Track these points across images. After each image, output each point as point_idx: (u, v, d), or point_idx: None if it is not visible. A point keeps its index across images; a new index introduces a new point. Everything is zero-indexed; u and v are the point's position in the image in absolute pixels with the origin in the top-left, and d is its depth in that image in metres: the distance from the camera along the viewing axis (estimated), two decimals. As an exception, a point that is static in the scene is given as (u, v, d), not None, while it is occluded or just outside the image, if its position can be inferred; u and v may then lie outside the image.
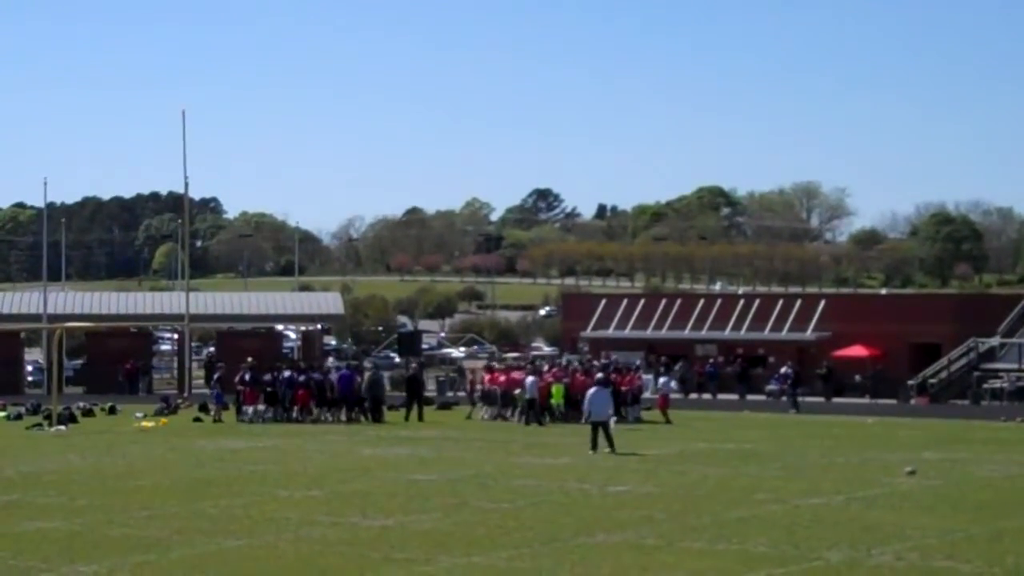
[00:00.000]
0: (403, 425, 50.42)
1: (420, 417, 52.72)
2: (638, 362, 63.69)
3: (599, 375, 44.18)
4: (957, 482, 32.41)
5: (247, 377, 52.76)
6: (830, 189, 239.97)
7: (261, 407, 52.25)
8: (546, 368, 56.17)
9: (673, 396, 68.13)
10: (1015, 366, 66.50)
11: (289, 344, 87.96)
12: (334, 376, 53.56)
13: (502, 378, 53.54)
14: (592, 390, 40.13)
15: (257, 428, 49.24)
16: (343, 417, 52.08)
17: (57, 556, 22.34)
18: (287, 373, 53.53)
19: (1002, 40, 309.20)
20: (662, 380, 54.95)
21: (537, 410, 50.14)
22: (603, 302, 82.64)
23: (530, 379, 50.64)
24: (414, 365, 60.25)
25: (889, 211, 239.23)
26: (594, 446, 38.67)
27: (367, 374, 54.46)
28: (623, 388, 52.49)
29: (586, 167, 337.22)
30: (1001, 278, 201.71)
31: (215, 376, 56.17)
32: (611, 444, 38.72)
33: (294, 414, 52.21)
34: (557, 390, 50.56)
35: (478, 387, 55.81)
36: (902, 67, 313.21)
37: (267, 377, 53.02)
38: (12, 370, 73.16)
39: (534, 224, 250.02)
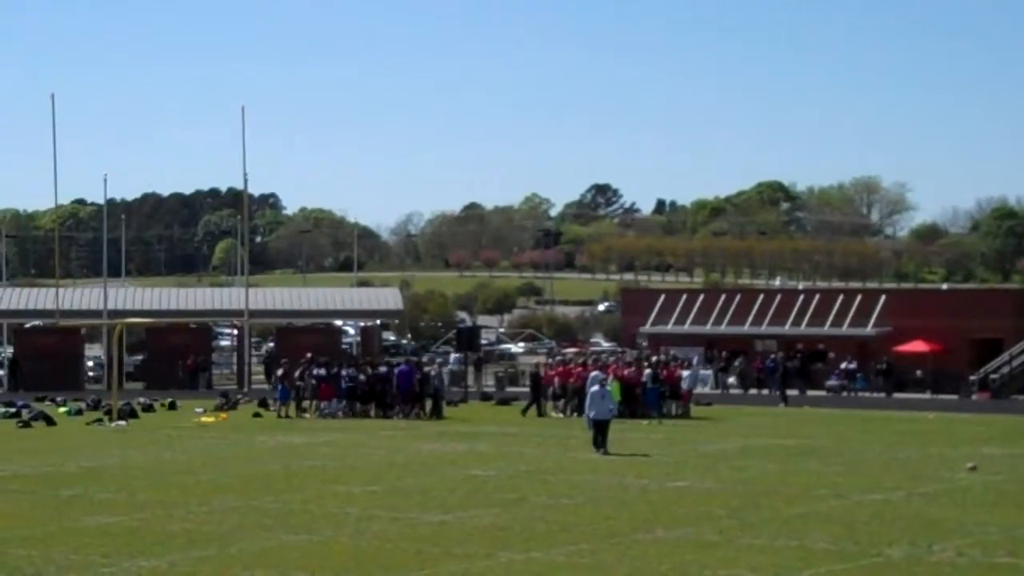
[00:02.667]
0: (462, 421, 50.43)
1: (539, 413, 52.71)
2: (696, 358, 63.44)
3: (594, 373, 43.67)
4: (1019, 478, 32.20)
5: (321, 372, 52.85)
6: (890, 184, 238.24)
7: (324, 403, 52.34)
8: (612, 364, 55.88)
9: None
10: (1077, 361, 66.00)
11: (348, 340, 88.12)
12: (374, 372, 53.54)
13: (578, 372, 53.27)
14: (593, 388, 39.03)
15: (317, 424, 49.32)
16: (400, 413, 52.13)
17: (118, 551, 22.46)
18: (403, 367, 53.49)
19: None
20: (686, 374, 54.26)
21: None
22: (662, 297, 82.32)
23: (593, 374, 50.31)
24: (535, 363, 60.72)
25: (950, 206, 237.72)
26: (597, 445, 37.59)
27: (429, 370, 54.46)
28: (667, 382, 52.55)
29: (645, 162, 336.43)
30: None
31: (279, 372, 56.02)
32: (603, 444, 37.55)
33: (413, 411, 52.09)
34: (615, 387, 50.28)
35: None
36: (963, 62, 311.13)
37: (348, 371, 53.08)
38: (73, 366, 73.62)
39: (593, 219, 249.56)
